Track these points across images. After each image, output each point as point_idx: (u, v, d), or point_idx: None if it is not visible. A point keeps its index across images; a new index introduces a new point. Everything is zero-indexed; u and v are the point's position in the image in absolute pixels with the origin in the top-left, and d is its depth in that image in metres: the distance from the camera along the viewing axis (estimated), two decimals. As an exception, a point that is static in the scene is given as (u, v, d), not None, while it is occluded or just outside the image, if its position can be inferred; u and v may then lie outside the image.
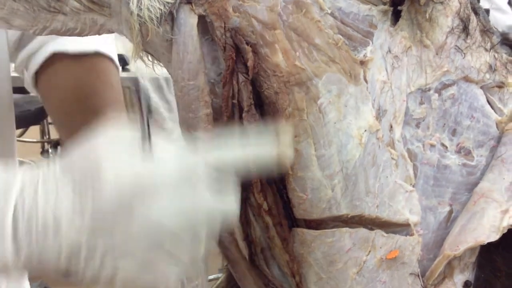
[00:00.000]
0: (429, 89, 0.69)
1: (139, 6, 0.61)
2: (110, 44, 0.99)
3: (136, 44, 0.63)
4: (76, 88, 0.94)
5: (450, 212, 0.70)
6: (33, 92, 1.00)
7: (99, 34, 0.67)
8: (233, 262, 0.67)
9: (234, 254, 0.66)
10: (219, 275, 2.00)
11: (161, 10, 0.62)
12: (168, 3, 0.62)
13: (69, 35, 0.66)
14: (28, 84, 0.99)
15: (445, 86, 0.69)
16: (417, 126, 0.68)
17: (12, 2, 0.61)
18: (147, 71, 0.69)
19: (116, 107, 0.88)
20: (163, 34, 0.63)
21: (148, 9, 0.61)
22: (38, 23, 0.64)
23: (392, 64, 0.66)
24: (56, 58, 0.94)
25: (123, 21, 0.62)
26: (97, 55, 0.96)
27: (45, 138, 3.31)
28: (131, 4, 0.61)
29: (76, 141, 0.53)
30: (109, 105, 0.64)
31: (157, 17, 0.62)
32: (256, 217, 0.66)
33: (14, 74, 1.63)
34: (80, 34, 0.66)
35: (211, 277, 2.07)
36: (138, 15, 0.61)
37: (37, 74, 0.96)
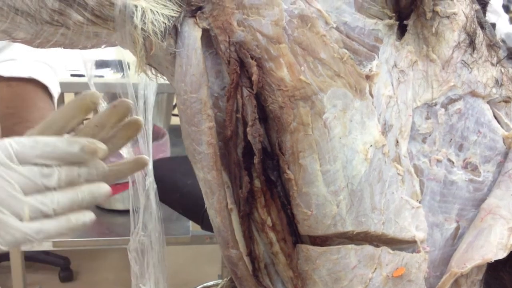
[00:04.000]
0: (436, 104, 0.68)
1: (143, 20, 0.60)
2: (46, 71, 1.08)
3: (139, 57, 0.63)
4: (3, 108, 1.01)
5: (457, 228, 0.69)
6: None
7: (103, 47, 0.67)
8: (241, 279, 0.66)
9: (242, 270, 0.65)
10: (219, 281, 1.99)
11: (165, 24, 0.61)
12: (172, 17, 0.61)
13: (72, 48, 0.66)
14: None
15: (452, 101, 0.69)
16: (424, 141, 0.68)
17: (15, 15, 0.61)
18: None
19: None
20: (167, 48, 0.62)
21: (152, 23, 0.60)
22: (40, 37, 0.63)
23: (398, 78, 0.66)
24: None
25: (127, 34, 0.62)
26: (30, 81, 1.04)
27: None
28: (135, 18, 0.60)
29: None
30: (29, 127, 0.69)
31: (161, 31, 0.61)
32: (260, 232, 0.66)
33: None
34: (83, 48, 0.65)
35: (210, 283, 2.06)
36: (142, 29, 0.61)
37: None
